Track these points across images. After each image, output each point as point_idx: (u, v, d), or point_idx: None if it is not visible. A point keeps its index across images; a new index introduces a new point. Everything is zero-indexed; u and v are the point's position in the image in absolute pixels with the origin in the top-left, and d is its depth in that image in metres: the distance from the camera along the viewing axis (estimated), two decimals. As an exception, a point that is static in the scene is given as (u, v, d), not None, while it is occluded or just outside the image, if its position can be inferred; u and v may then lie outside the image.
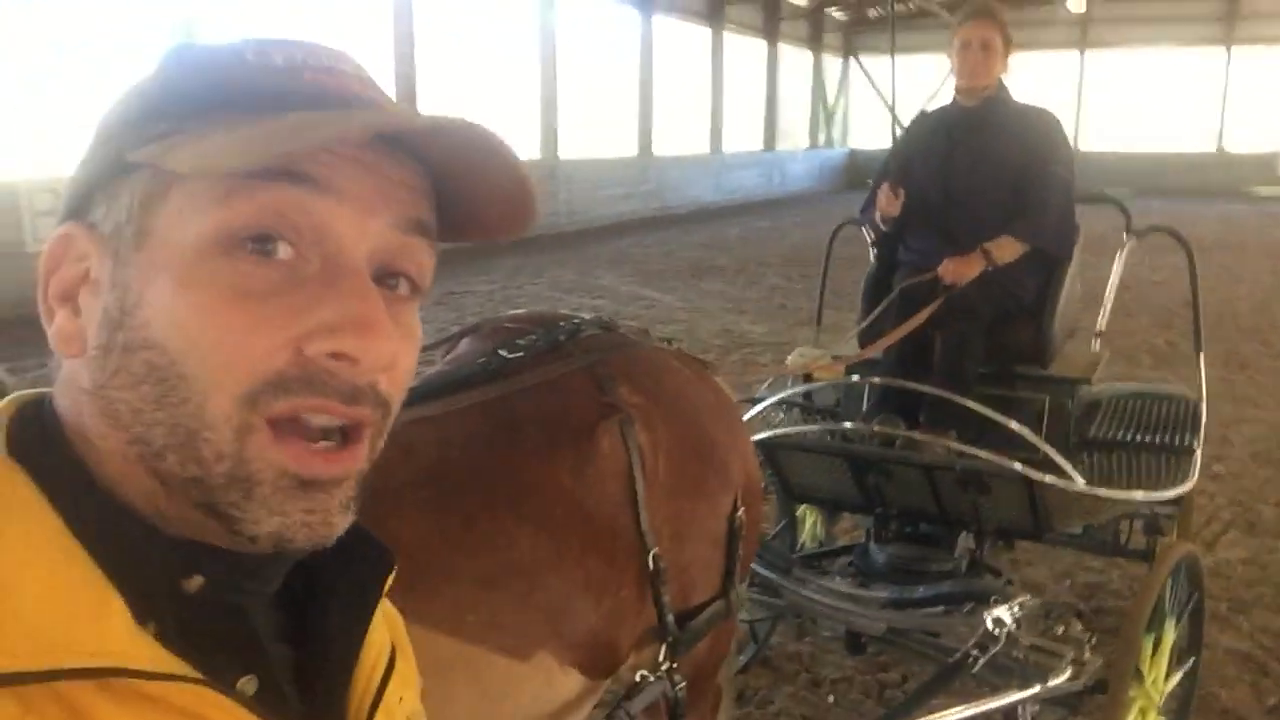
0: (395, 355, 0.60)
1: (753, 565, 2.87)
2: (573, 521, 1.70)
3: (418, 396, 1.78)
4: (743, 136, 22.59)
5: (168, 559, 0.59)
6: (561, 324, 1.98)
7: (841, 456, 2.87)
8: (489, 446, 1.70)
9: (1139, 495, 2.77)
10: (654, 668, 1.83)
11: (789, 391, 3.38)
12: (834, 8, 27.12)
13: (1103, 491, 2.66)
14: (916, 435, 2.83)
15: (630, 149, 18.72)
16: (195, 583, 0.59)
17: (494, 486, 1.65)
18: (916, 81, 15.10)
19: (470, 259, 12.41)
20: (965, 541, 3.01)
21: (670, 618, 1.82)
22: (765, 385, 3.74)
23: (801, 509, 3.72)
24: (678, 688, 1.84)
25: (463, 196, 0.65)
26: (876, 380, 3.16)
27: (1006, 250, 3.22)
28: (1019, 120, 3.35)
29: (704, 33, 20.99)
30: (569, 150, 16.64)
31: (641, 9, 18.41)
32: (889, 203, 3.30)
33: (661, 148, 19.36)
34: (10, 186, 8.87)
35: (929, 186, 3.39)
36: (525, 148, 15.67)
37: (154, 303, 0.56)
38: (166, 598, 0.58)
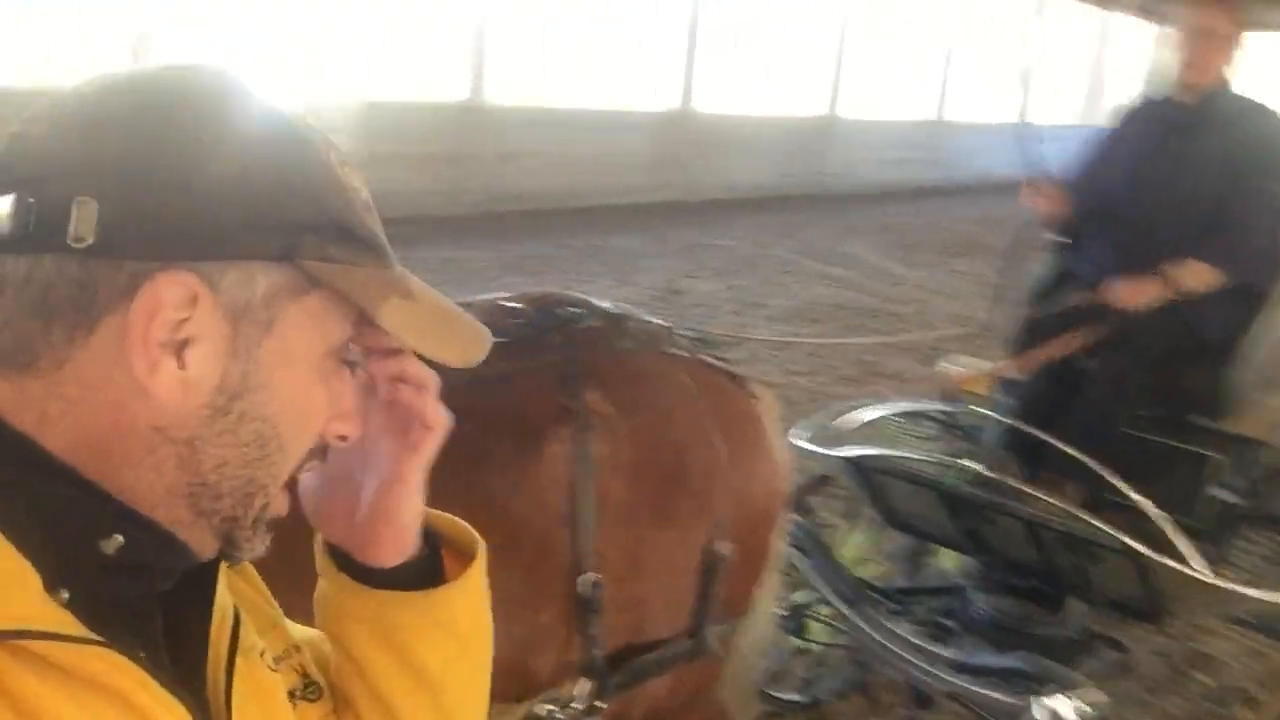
0: None
1: (825, 591, 2.64)
2: (497, 527, 1.57)
3: None
4: (1058, 107, 20.86)
5: (90, 519, 0.63)
6: (560, 311, 1.84)
7: (933, 491, 2.55)
8: None
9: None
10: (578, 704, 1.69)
11: (903, 406, 3.06)
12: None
13: (1229, 585, 2.21)
14: (1019, 484, 2.47)
15: (923, 112, 17.78)
16: (115, 543, 0.63)
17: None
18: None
19: (718, 213, 12.30)
20: (1080, 605, 2.62)
21: (598, 653, 1.67)
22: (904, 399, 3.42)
23: (850, 529, 3.38)
24: (597, 727, 1.69)
25: None
26: (997, 416, 2.78)
27: (1192, 276, 2.73)
28: (1239, 122, 2.81)
29: (1025, -9, 19.47)
30: (850, 110, 16.01)
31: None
32: (1050, 202, 2.87)
33: (959, 113, 18.24)
34: (306, 105, 9.61)
35: (1118, 191, 2.93)
36: (806, 104, 15.25)
37: (278, 387, 0.67)
38: (82, 562, 0.62)
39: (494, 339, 1.74)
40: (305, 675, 0.83)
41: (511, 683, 1.61)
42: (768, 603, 2.10)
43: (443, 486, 1.58)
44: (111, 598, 0.63)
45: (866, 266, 10.13)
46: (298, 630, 0.86)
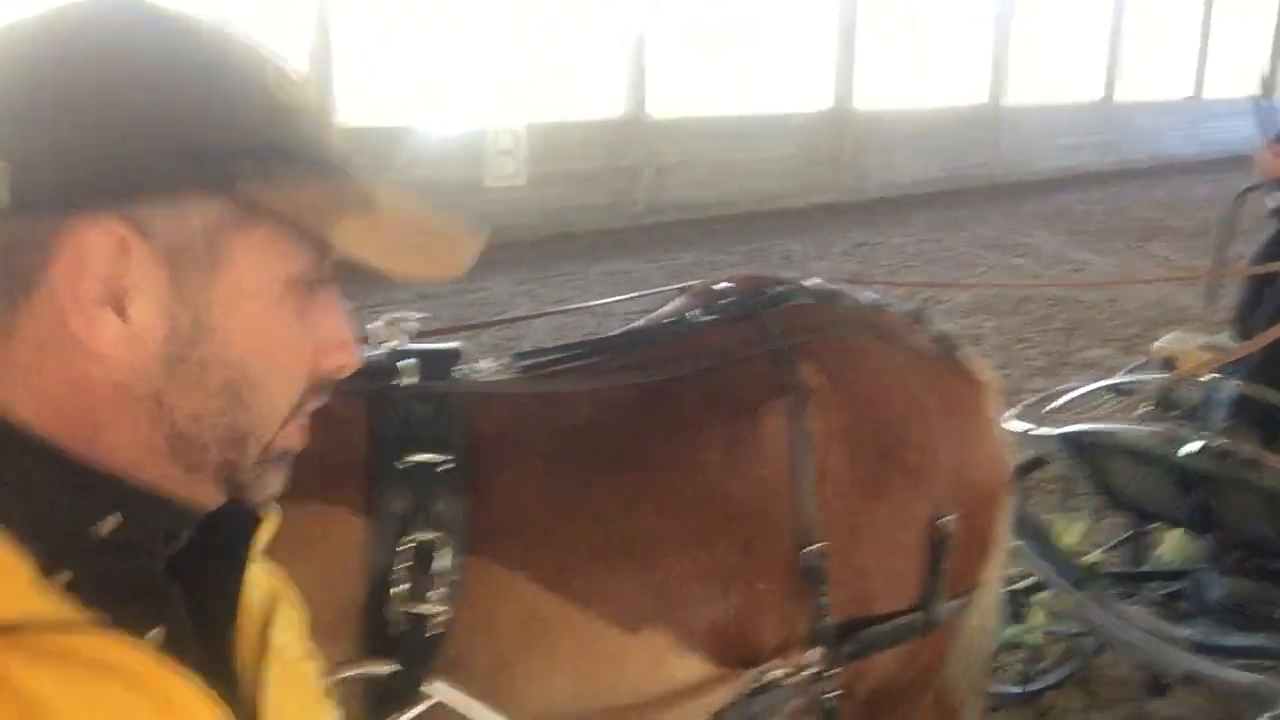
0: None
1: (1048, 573, 2.54)
2: (710, 503, 1.59)
3: (591, 350, 1.76)
4: (1235, 80, 19.57)
5: (83, 500, 0.61)
6: (768, 290, 1.84)
7: (1161, 466, 2.42)
8: (637, 410, 1.64)
9: None
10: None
11: (1118, 381, 2.90)
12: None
13: None
14: (1257, 453, 2.31)
15: (1091, 94, 16.98)
16: (110, 523, 0.61)
17: (626, 453, 1.60)
18: None
19: (883, 211, 12.06)
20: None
21: (829, 621, 1.65)
22: (1124, 372, 3.26)
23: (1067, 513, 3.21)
24: (828, 696, 1.67)
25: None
26: (1235, 381, 2.61)
27: None
28: None
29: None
30: (1017, 95, 15.44)
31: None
32: (1274, 161, 2.69)
33: (1129, 92, 17.34)
34: (478, 127, 9.95)
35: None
36: (967, 92, 14.80)
37: (236, 328, 0.63)
38: (80, 543, 0.61)
39: (706, 316, 1.79)
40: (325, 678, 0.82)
41: (735, 648, 1.62)
42: (995, 584, 2.03)
43: (657, 461, 1.61)
44: (117, 576, 0.61)
45: (1048, 256, 9.74)
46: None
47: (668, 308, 1.91)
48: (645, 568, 1.55)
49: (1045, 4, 15.75)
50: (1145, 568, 2.94)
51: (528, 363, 1.73)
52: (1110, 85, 17.14)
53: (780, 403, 1.65)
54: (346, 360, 0.69)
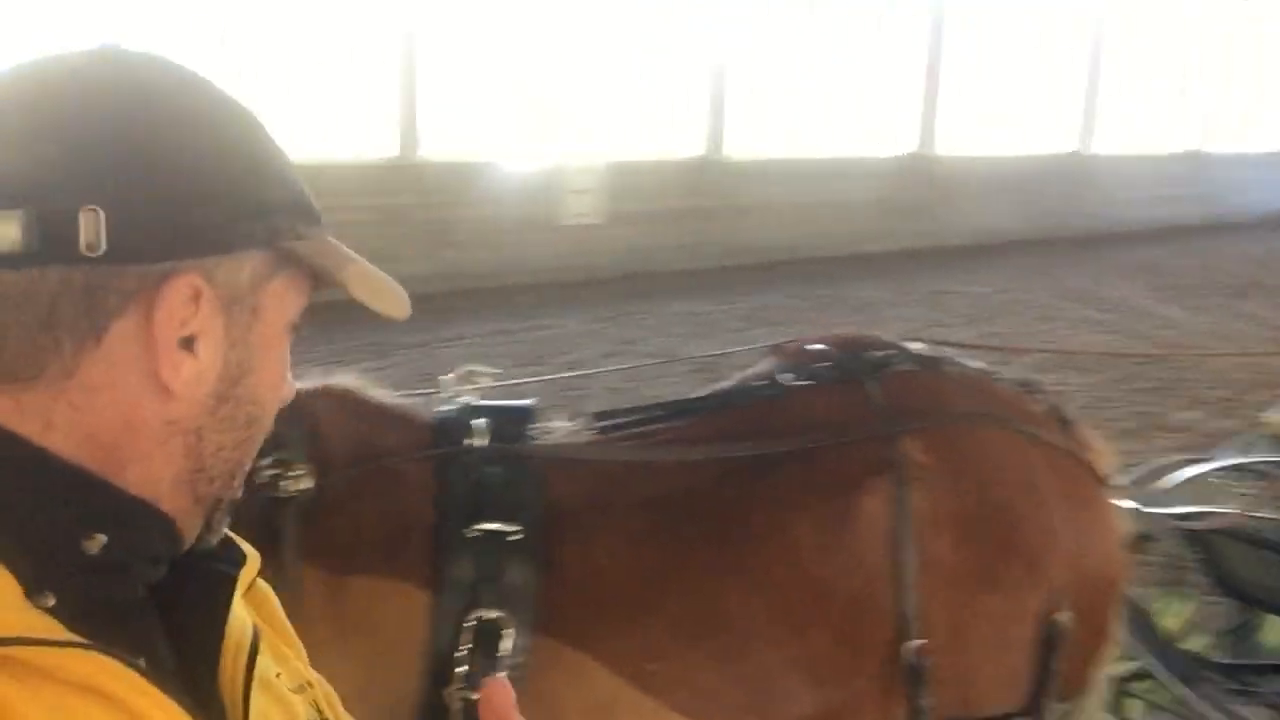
0: None
1: (1150, 660, 2.35)
2: (803, 587, 1.46)
3: (676, 412, 1.64)
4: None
5: (73, 517, 0.62)
6: (869, 354, 1.71)
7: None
8: (728, 481, 1.52)
9: None
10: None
11: (1229, 460, 2.70)
12: None
13: None
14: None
15: (1183, 144, 16.55)
16: (98, 541, 0.62)
17: (717, 527, 1.47)
18: None
19: (963, 258, 11.81)
20: None
21: None
22: (1233, 446, 3.05)
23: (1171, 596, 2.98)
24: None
25: None
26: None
27: None
28: None
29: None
30: (1104, 144, 15.09)
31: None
32: None
33: (1222, 144, 16.85)
34: (556, 164, 9.96)
35: None
36: (1053, 140, 14.50)
37: (261, 369, 0.69)
38: (66, 565, 0.61)
39: (800, 382, 1.66)
40: (319, 711, 0.79)
41: None
42: (1105, 685, 1.86)
43: (748, 538, 1.49)
44: (100, 600, 0.62)
45: (1135, 310, 9.41)
46: (310, 670, 0.84)
47: (758, 368, 1.79)
48: (730, 656, 1.43)
49: (1135, 53, 15.40)
50: (1252, 659, 2.72)
51: (607, 423, 1.62)
52: (1203, 137, 16.71)
53: (881, 480, 1.52)
54: (289, 394, 0.75)
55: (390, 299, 0.73)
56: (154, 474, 0.66)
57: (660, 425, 1.62)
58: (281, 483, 1.34)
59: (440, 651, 1.35)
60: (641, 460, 1.53)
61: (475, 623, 1.35)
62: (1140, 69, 15.57)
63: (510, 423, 1.50)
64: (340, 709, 0.83)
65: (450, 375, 1.66)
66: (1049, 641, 1.59)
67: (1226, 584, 2.57)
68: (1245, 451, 2.80)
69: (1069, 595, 1.61)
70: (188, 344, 0.64)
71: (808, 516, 1.49)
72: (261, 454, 0.76)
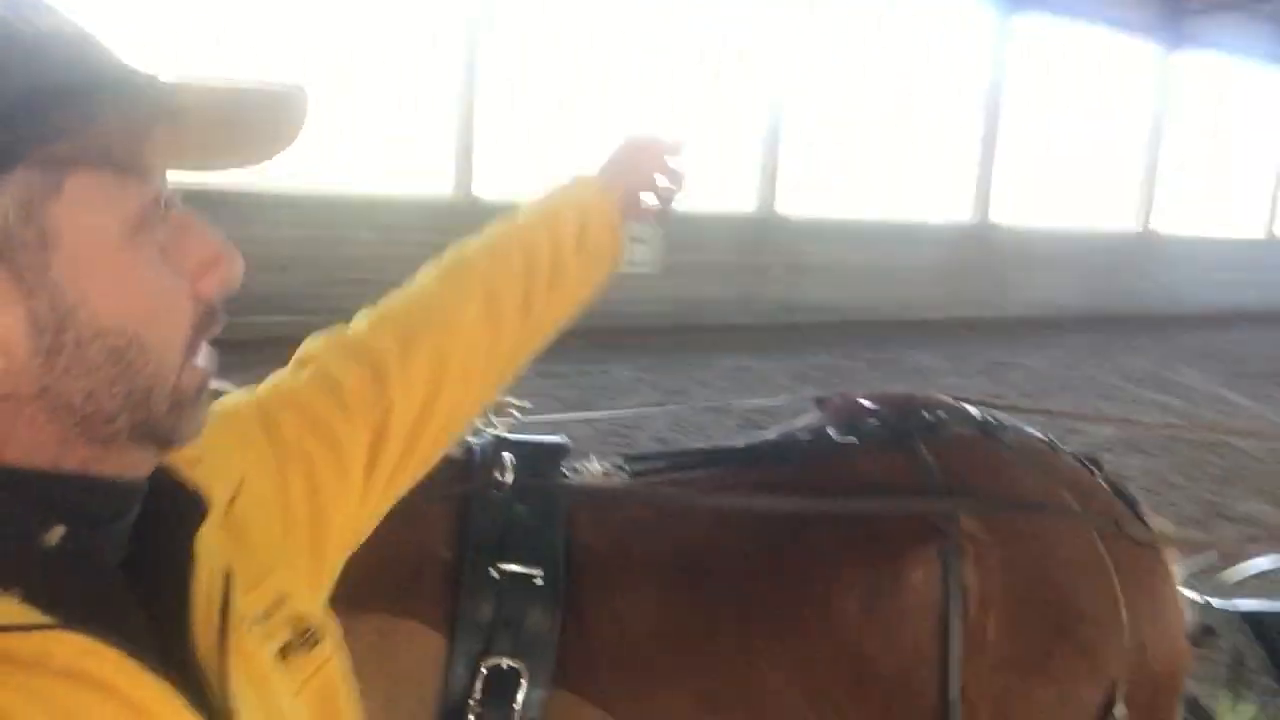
0: None
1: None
2: (843, 662, 1.36)
3: (716, 459, 1.56)
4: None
5: (25, 514, 0.59)
6: (920, 414, 1.62)
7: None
8: (766, 539, 1.42)
9: None
10: None
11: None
12: None
13: None
14: None
15: (1253, 231, 16.22)
16: (56, 533, 0.60)
17: (751, 589, 1.38)
18: None
19: (1020, 331, 11.59)
20: None
21: None
22: None
23: (1235, 695, 2.80)
24: None
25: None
26: None
27: None
28: None
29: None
30: (1171, 224, 14.83)
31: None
32: None
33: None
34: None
35: None
36: (1117, 218, 14.28)
37: (98, 295, 0.58)
38: (28, 557, 0.59)
39: (845, 438, 1.57)
40: (297, 625, 0.74)
41: None
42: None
43: (785, 603, 1.39)
44: (69, 587, 0.59)
45: (1200, 395, 9.13)
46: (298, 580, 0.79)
47: (804, 420, 1.70)
48: None
49: (1200, 136, 15.17)
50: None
51: (643, 467, 1.54)
52: (1273, 222, 16.38)
53: (931, 550, 1.41)
54: (227, 273, 0.65)
55: (244, 143, 0.64)
56: (32, 442, 0.59)
57: (697, 473, 1.54)
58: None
59: (456, 697, 1.27)
60: (675, 508, 1.45)
61: (492, 669, 1.27)
62: (1206, 151, 15.32)
63: (539, 458, 1.43)
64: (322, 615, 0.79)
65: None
66: (1104, 737, 1.47)
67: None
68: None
69: (1126, 689, 1.49)
70: None
71: (851, 584, 1.39)
72: None
